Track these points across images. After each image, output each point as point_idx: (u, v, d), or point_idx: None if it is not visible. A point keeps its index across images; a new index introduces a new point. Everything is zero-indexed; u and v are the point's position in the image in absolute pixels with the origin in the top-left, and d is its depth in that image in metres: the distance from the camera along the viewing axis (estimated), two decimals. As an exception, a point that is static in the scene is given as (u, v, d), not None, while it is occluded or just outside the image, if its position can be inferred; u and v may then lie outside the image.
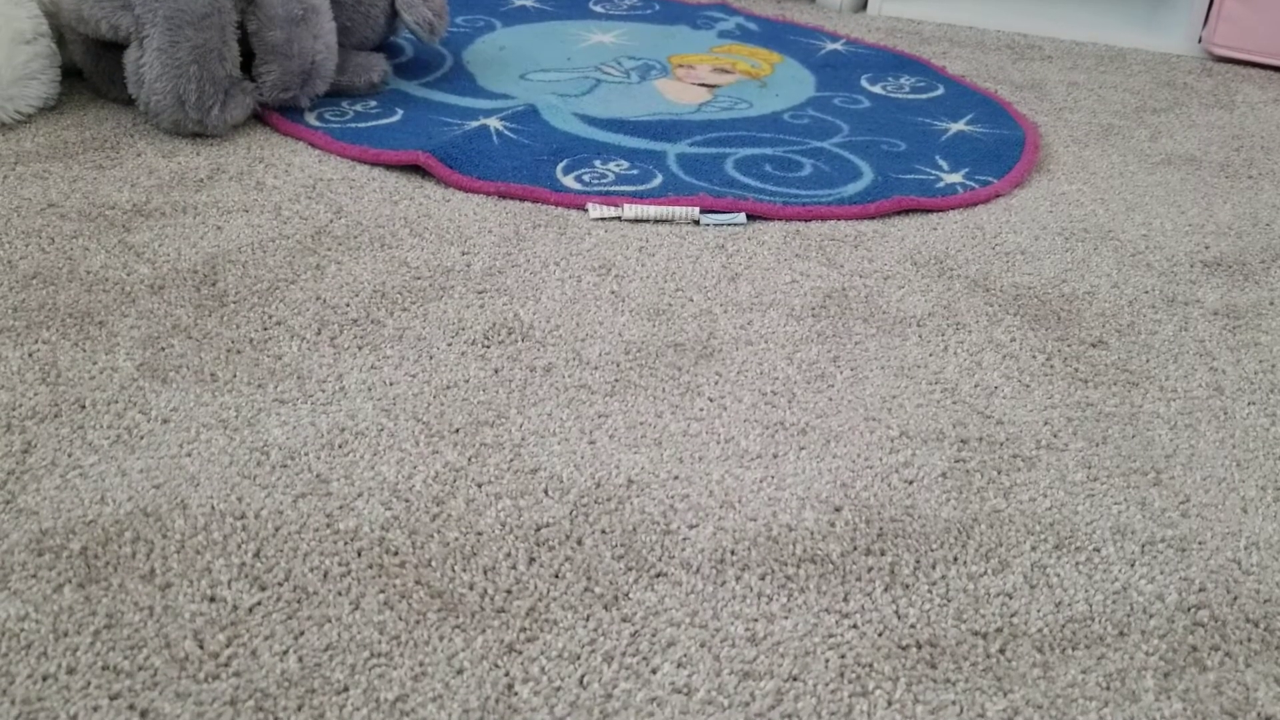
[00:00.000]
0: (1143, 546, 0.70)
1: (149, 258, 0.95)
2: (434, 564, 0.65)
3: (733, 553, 0.67)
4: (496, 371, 0.83)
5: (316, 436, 0.75)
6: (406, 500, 0.70)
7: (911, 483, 0.74)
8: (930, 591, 0.66)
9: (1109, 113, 1.43)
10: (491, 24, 1.60)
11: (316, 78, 1.21)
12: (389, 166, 1.14)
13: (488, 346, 0.86)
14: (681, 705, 0.58)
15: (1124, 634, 0.64)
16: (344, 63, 1.26)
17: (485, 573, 0.65)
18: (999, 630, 0.63)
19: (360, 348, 0.85)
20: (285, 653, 0.59)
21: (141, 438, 0.74)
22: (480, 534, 0.68)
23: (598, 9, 1.70)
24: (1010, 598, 0.66)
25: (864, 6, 1.81)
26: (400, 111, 1.25)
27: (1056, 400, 0.84)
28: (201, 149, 1.15)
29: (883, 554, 0.68)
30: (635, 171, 1.14)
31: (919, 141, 1.27)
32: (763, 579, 0.65)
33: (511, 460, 0.74)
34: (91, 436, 0.74)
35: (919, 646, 0.62)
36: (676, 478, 0.73)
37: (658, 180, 1.12)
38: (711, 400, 0.81)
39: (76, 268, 0.93)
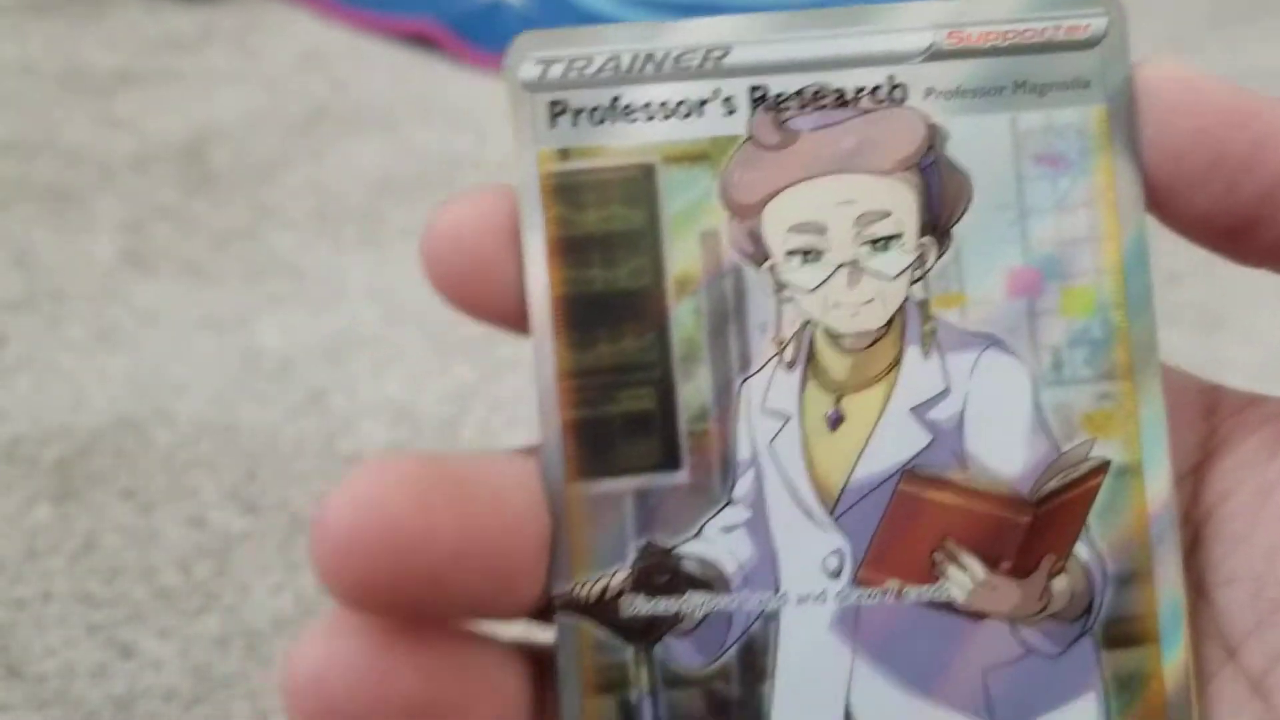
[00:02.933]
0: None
1: (132, 130, 0.87)
2: (442, 495, 0.60)
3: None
4: (511, 277, 0.77)
5: (315, 344, 0.69)
6: (414, 420, 0.65)
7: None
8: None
9: (1178, 23, 1.33)
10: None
11: (317, -66, 1.10)
12: (396, 37, 1.05)
13: (502, 249, 0.79)
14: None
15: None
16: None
17: (498, 507, 0.60)
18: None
19: (362, 244, 0.78)
20: (279, 588, 0.54)
21: (123, 335, 0.68)
22: (493, 462, 0.62)
23: None
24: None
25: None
26: (408, -24, 1.15)
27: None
28: (191, 7, 1.06)
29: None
30: (663, 56, 1.05)
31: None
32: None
33: (530, 380, 0.68)
34: (69, 332, 0.68)
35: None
36: (706, 406, 0.67)
37: (688, 67, 1.04)
38: (744, 320, 0.75)
39: (54, 138, 0.86)
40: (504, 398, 0.67)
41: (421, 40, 1.04)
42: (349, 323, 0.71)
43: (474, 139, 0.91)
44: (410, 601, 0.18)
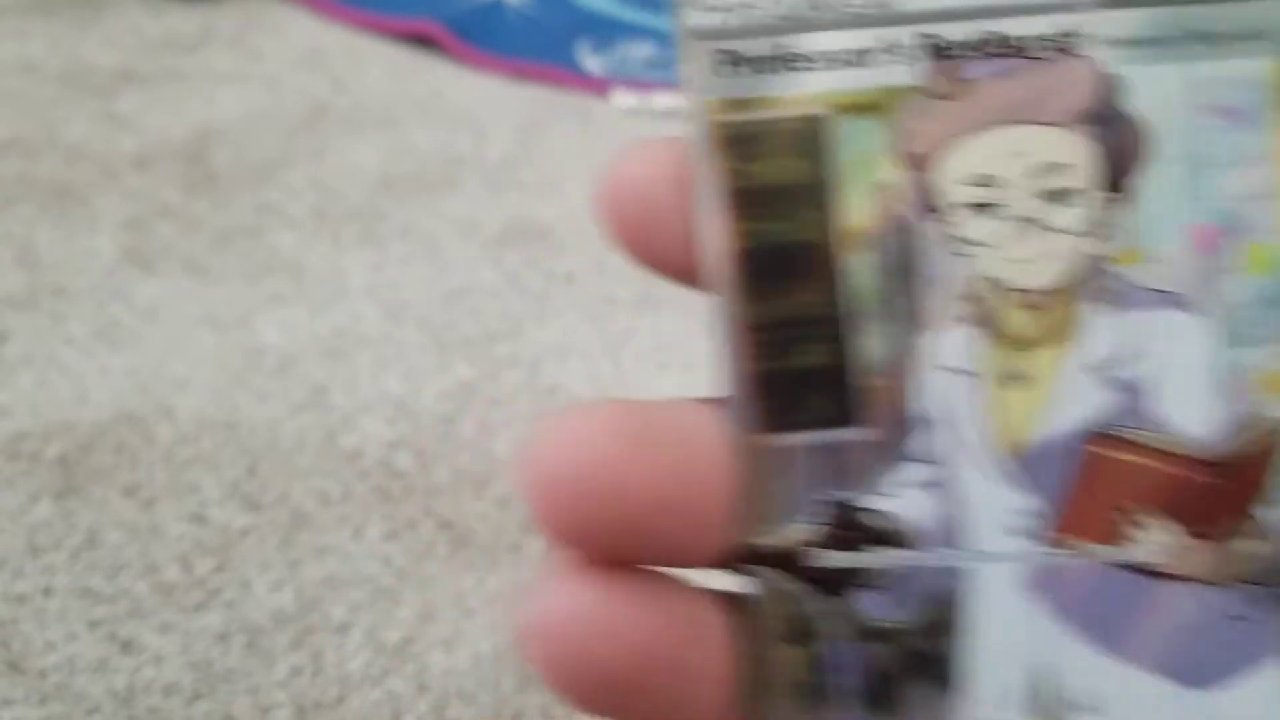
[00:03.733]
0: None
1: (134, 129, 0.88)
2: (443, 492, 0.60)
3: (765, 491, 0.62)
4: (512, 277, 0.77)
5: (316, 341, 0.69)
6: (414, 417, 0.65)
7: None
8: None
9: None
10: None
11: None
12: (395, 36, 1.05)
13: (503, 249, 0.79)
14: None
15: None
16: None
17: (499, 504, 0.60)
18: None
19: (363, 243, 0.78)
20: (280, 584, 0.55)
21: (125, 333, 0.69)
22: (494, 460, 0.63)
23: None
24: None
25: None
26: (408, -23, 1.15)
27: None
28: (191, 8, 1.06)
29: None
30: (668, 56, 1.06)
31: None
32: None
33: (529, 378, 0.68)
34: (71, 329, 0.69)
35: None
36: (705, 404, 0.68)
37: (687, 68, 1.04)
38: (743, 319, 0.75)
39: (56, 137, 0.86)
40: (502, 396, 0.67)
41: (421, 40, 1.04)
42: (349, 321, 0.71)
43: (474, 139, 0.91)
44: (609, 545, 0.19)
